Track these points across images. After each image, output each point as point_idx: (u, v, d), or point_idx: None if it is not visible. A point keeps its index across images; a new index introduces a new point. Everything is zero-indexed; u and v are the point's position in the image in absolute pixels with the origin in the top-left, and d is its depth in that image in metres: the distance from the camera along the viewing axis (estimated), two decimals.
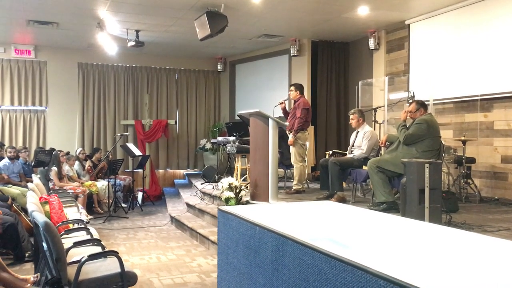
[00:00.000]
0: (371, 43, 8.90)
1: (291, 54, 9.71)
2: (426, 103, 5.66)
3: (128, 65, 11.19)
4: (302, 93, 7.07)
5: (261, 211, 2.98)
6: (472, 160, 6.61)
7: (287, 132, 7.05)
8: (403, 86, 8.13)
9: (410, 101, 6.16)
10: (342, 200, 5.87)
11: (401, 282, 1.44)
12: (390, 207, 5.08)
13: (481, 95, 6.82)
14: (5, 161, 7.80)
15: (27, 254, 5.38)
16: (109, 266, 3.44)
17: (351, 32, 9.15)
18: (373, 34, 8.85)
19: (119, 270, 3.34)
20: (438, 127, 5.36)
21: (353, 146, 6.48)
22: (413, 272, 1.55)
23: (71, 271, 3.19)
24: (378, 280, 1.53)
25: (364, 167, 5.98)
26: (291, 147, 6.90)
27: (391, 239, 2.19)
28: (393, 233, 2.31)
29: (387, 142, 5.82)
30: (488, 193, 6.76)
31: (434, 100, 7.04)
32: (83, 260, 3.21)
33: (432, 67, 7.64)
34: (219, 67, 11.84)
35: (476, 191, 6.33)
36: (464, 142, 6.40)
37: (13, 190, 7.21)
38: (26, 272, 4.76)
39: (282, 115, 7.29)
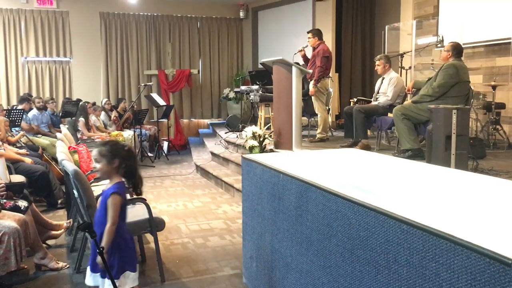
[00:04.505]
0: None
1: None
2: None
3: (149, 14, 11.07)
4: (320, 38, 6.83)
5: (285, 158, 2.99)
6: (501, 106, 6.43)
7: (308, 80, 6.95)
8: (431, 30, 7.84)
9: (439, 45, 5.94)
10: (367, 147, 5.83)
11: (424, 227, 1.44)
12: (416, 154, 5.03)
13: None
14: (34, 111, 7.97)
15: (59, 201, 5.59)
16: (138, 213, 3.55)
17: None
18: None
19: (147, 216, 3.45)
20: (467, 72, 5.19)
21: (378, 93, 6.35)
22: (437, 217, 1.54)
23: None
24: (401, 225, 1.54)
25: (390, 114, 5.90)
26: (312, 96, 6.81)
27: (415, 185, 2.18)
28: (418, 179, 2.30)
29: (413, 89, 5.69)
30: None
31: (464, 44, 6.77)
32: None
33: (463, 8, 7.31)
34: (241, 14, 11.60)
35: (504, 137, 6.20)
36: (494, 87, 6.21)
37: (43, 140, 7.40)
38: (59, 218, 4.96)
39: (302, 62, 7.14)
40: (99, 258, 2.30)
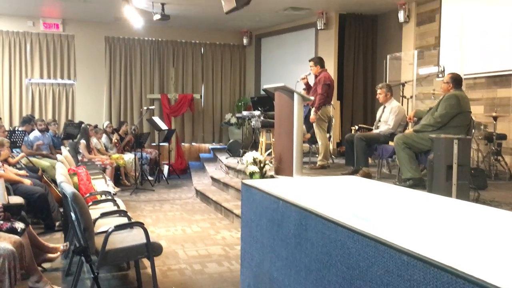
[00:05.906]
0: (401, 16, 8.65)
1: (318, 28, 9.54)
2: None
3: (154, 39, 11.21)
4: (322, 66, 6.86)
5: (285, 185, 2.96)
6: (503, 137, 6.44)
7: (309, 107, 6.97)
8: (433, 60, 7.92)
9: (440, 75, 5.99)
10: (368, 175, 5.80)
11: (425, 258, 1.42)
12: (417, 184, 5.01)
13: None
14: (36, 133, 7.98)
15: (57, 223, 5.54)
16: (135, 237, 3.52)
17: (380, 4, 8.90)
18: (403, 6, 8.58)
19: (144, 240, 3.41)
20: (469, 102, 5.20)
21: (379, 121, 6.36)
22: (438, 248, 1.52)
23: (98, 240, 3.28)
24: (401, 256, 1.51)
25: (391, 143, 5.89)
26: (314, 123, 6.81)
27: (416, 215, 2.15)
28: (419, 209, 2.28)
29: (415, 118, 5.70)
30: None
31: (465, 74, 6.82)
32: (110, 230, 3.29)
33: (464, 40, 7.39)
34: (245, 41, 11.75)
35: (506, 168, 6.18)
36: (495, 118, 6.22)
37: (43, 162, 7.39)
38: (56, 241, 4.90)
39: (305, 89, 7.17)
40: None
